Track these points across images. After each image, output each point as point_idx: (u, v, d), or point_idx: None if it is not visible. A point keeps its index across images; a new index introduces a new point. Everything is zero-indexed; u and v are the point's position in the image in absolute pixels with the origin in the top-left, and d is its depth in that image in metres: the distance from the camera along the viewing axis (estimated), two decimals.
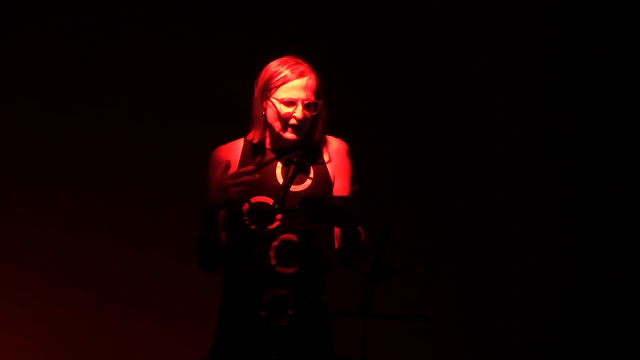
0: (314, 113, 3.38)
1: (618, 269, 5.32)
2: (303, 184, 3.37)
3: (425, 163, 5.30)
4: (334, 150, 3.44)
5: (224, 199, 3.24)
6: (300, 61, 3.39)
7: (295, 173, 3.32)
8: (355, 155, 3.45)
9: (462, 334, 5.29)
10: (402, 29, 5.29)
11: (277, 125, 3.37)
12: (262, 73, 3.41)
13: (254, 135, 3.43)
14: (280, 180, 3.38)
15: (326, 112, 3.42)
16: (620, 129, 5.38)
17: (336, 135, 3.47)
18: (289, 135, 3.37)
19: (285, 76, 3.36)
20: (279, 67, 3.38)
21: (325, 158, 3.43)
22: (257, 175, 3.25)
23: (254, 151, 3.43)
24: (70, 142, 5.13)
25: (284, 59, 3.41)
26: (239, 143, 3.46)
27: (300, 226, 3.32)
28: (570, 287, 5.32)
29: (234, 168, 3.38)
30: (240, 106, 3.56)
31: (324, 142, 3.44)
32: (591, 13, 5.36)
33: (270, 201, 3.32)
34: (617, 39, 5.38)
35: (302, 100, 3.35)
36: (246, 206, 3.34)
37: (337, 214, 3.22)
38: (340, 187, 3.40)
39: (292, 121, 3.35)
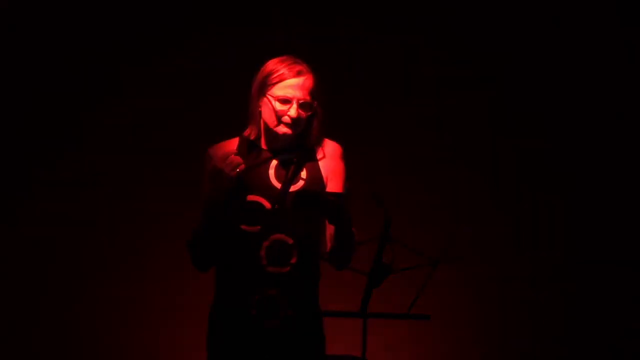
0: (309, 113, 3.38)
1: None
2: (296, 185, 3.37)
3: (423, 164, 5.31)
4: (328, 152, 3.45)
5: (224, 183, 3.25)
6: (298, 61, 3.41)
7: (295, 173, 3.33)
8: (349, 157, 3.46)
9: (461, 334, 5.29)
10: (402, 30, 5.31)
11: (271, 122, 3.38)
12: (261, 70, 3.43)
13: (250, 132, 3.45)
14: (274, 180, 3.39)
15: (322, 114, 3.42)
16: None
17: (332, 137, 3.48)
18: (282, 129, 3.37)
19: (282, 74, 3.38)
20: (277, 65, 3.40)
21: (319, 159, 3.44)
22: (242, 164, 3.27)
23: (249, 149, 3.44)
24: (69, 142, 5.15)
25: (283, 57, 3.42)
26: (234, 142, 3.47)
27: (293, 223, 3.32)
28: (572, 289, 5.32)
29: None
30: (237, 105, 3.56)
31: (318, 144, 3.44)
32: None
33: (263, 201, 3.34)
34: None
35: (298, 99, 3.37)
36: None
37: (330, 209, 3.23)
38: (333, 188, 3.40)
39: (286, 119, 3.36)
